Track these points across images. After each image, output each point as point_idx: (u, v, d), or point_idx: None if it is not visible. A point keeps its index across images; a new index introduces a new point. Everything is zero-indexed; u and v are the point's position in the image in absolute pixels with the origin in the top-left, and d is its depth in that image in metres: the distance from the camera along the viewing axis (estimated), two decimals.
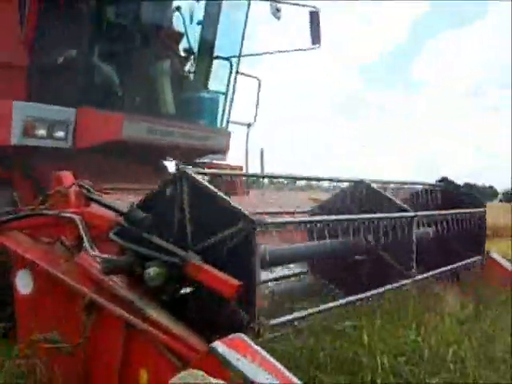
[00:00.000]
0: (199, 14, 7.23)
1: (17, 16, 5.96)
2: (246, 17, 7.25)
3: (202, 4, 7.18)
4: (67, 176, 3.86)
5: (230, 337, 3.13)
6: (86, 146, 5.82)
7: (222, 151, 7.14)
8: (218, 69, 7.41)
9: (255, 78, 7.88)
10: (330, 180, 4.91)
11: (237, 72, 7.32)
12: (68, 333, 3.84)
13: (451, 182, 6.60)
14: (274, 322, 3.42)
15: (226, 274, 3.20)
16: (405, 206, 5.17)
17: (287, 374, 3.11)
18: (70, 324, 3.84)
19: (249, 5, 7.18)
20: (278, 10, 7.31)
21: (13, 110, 5.49)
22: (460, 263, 5.71)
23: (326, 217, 4.56)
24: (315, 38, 7.54)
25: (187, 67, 7.12)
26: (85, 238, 3.52)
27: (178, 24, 7.06)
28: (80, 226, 3.54)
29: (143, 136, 6.12)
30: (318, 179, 4.78)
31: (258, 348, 3.16)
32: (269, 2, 7.28)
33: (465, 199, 6.67)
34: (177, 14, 7.04)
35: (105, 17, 6.02)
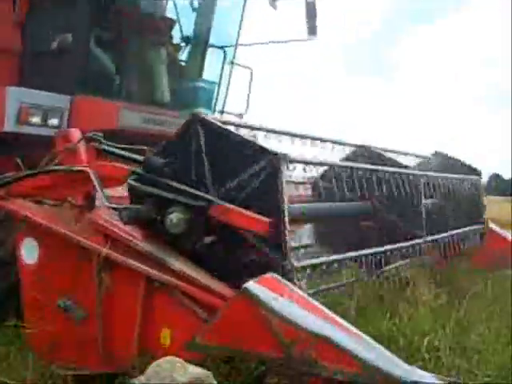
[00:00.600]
0: (195, 1, 6.98)
1: None
2: (244, 4, 7.07)
3: None
4: (74, 132, 3.67)
5: (263, 277, 2.95)
6: None
7: None
8: (214, 58, 7.20)
9: (247, 67, 7.74)
10: (335, 142, 4.76)
11: (232, 62, 7.14)
12: (81, 298, 3.62)
13: (445, 156, 6.53)
14: (303, 263, 3.24)
15: (255, 214, 3.01)
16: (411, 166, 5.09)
17: (327, 311, 2.94)
18: (82, 289, 3.61)
19: None
20: (275, 0, 7.18)
21: (7, 96, 5.26)
22: (461, 230, 5.59)
23: (350, 163, 4.43)
24: (312, 29, 7.41)
25: (182, 56, 6.90)
26: (99, 192, 3.31)
27: (173, 11, 6.83)
28: (94, 180, 3.34)
29: (138, 125, 5.94)
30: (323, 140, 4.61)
31: (295, 287, 2.98)
32: None
33: (459, 170, 6.63)
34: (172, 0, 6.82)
35: (101, 1, 5.80)
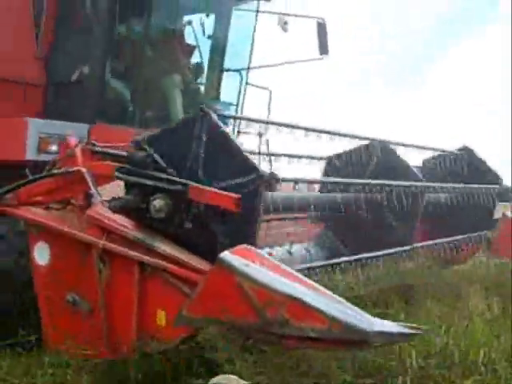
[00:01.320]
0: (210, 28, 7.35)
1: (32, 33, 6.17)
2: (254, 30, 7.43)
3: (212, 18, 7.32)
4: (72, 138, 3.99)
5: (236, 247, 3.14)
6: None
7: None
8: (230, 80, 7.51)
9: (266, 88, 8.01)
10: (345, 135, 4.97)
11: (246, 83, 7.43)
12: (86, 292, 3.88)
13: (473, 153, 6.54)
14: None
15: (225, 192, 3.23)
16: (418, 174, 5.24)
17: (297, 274, 3.09)
18: (86, 283, 3.88)
19: (256, 18, 7.34)
20: (286, 23, 7.49)
21: (28, 127, 5.62)
22: (465, 235, 5.69)
23: (337, 179, 4.66)
24: (323, 48, 7.71)
25: (198, 80, 7.24)
26: (92, 188, 3.60)
27: (189, 37, 7.20)
28: (87, 177, 3.63)
29: None
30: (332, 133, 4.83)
31: (266, 255, 3.15)
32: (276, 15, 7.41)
33: (485, 174, 6.68)
34: (188, 27, 7.18)
35: (116, 33, 6.28)
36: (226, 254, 3.12)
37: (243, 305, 3.06)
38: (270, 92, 8.14)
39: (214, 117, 3.56)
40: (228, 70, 7.65)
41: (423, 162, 6.76)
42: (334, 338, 2.93)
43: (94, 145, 3.93)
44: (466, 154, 6.82)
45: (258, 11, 7.34)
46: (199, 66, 7.36)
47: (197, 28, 7.36)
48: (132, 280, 3.70)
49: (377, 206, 5.23)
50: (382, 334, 2.84)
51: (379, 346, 3.31)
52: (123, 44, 6.42)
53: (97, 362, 3.82)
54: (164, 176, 3.52)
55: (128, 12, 6.27)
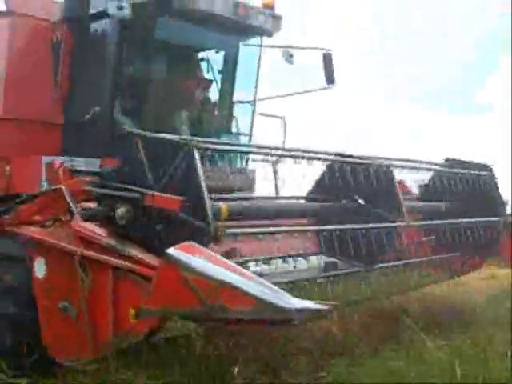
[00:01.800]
0: (219, 63, 7.91)
1: (51, 78, 6.85)
2: (258, 65, 7.92)
3: (221, 54, 7.89)
4: (56, 161, 4.50)
5: (181, 244, 3.51)
6: None
7: (246, 188, 7.45)
8: (241, 111, 8.02)
9: (280, 117, 8.42)
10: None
11: (253, 113, 7.89)
12: (73, 298, 4.33)
13: (457, 161, 6.97)
14: (232, 231, 3.77)
15: (172, 195, 3.63)
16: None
17: (232, 264, 3.43)
18: (74, 289, 4.32)
19: (260, 53, 7.84)
20: (291, 56, 7.92)
21: (42, 164, 6.17)
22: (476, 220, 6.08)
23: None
24: (330, 78, 8.08)
25: (209, 113, 7.69)
26: (70, 203, 4.07)
27: (200, 73, 7.77)
28: (65, 194, 4.11)
29: None
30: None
31: (208, 250, 3.51)
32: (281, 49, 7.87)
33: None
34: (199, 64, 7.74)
35: (123, 75, 6.80)
36: (171, 250, 3.51)
37: (189, 295, 3.44)
38: (284, 120, 8.56)
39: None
40: (240, 102, 8.12)
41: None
42: (263, 318, 3.25)
43: (72, 165, 4.43)
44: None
45: (261, 45, 7.76)
46: (210, 99, 7.83)
47: (207, 64, 7.89)
48: (107, 283, 4.12)
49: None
50: (301, 311, 3.14)
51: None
52: (130, 84, 6.97)
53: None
54: (125, 186, 3.96)
55: (134, 54, 6.85)
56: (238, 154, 7.75)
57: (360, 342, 5.38)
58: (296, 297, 3.33)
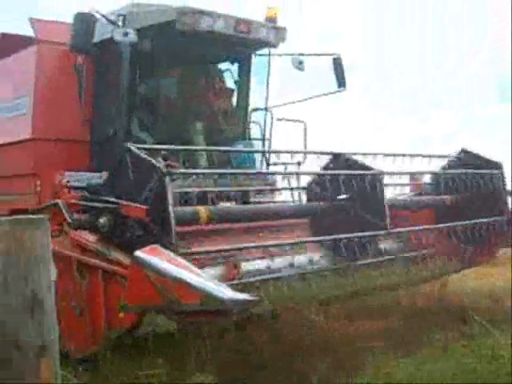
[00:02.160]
0: (235, 74, 8.52)
1: (78, 103, 7.55)
2: (268, 74, 8.46)
3: (234, 66, 8.49)
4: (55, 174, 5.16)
5: (147, 247, 4.08)
6: None
7: (267, 192, 7.87)
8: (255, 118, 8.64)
9: (302, 122, 8.89)
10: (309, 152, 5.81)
11: (265, 119, 8.45)
12: (77, 299, 4.98)
13: (471, 154, 7.42)
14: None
15: (140, 204, 4.21)
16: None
17: (186, 262, 3.96)
18: (77, 291, 4.97)
19: (269, 63, 8.39)
20: (301, 63, 8.37)
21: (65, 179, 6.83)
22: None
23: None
24: (341, 81, 8.50)
25: (223, 121, 8.23)
26: (66, 215, 4.71)
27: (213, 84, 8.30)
28: (62, 207, 4.76)
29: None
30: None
31: (171, 253, 4.06)
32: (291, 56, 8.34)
33: (482, 165, 7.30)
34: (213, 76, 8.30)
35: (138, 94, 7.44)
36: (137, 252, 4.09)
37: (152, 291, 4.01)
38: (305, 124, 9.00)
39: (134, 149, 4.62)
40: (255, 110, 8.63)
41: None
42: (210, 309, 3.78)
43: (68, 181, 5.09)
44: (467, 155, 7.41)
45: (269, 55, 8.26)
46: (224, 109, 8.37)
47: (220, 76, 8.45)
48: (99, 284, 4.75)
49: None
50: (236, 301, 3.65)
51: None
52: (146, 101, 7.61)
53: None
54: (105, 199, 4.57)
55: (146, 74, 7.49)
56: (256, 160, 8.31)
57: (427, 339, 5.61)
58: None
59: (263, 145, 8.64)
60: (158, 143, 7.54)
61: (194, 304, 3.78)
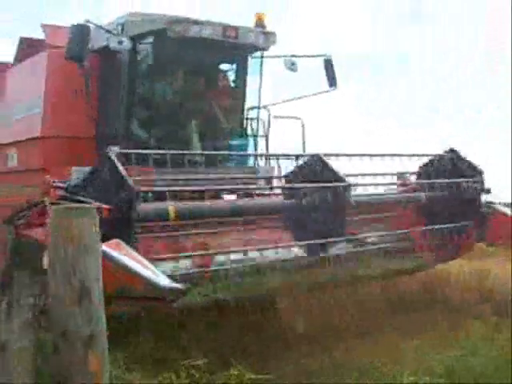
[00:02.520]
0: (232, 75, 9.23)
1: (86, 103, 8.24)
2: (261, 75, 9.07)
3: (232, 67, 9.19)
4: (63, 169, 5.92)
5: (112, 241, 4.77)
6: None
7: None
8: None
9: (299, 118, 9.46)
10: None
11: (257, 119, 9.22)
12: None
13: (458, 154, 7.96)
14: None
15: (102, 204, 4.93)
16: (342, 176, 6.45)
17: (146, 262, 4.63)
18: None
19: (261, 63, 9.00)
20: (293, 64, 8.96)
21: (72, 173, 7.57)
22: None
23: None
24: (331, 81, 9.07)
25: (223, 119, 8.87)
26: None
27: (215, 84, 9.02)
28: (48, 207, 5.49)
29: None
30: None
31: (125, 244, 4.74)
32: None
33: (464, 169, 7.67)
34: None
35: (137, 95, 8.16)
36: (102, 245, 4.78)
37: (112, 278, 4.69)
38: (302, 121, 9.58)
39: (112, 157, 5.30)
40: (251, 109, 9.23)
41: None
42: (154, 295, 4.46)
43: (54, 181, 5.82)
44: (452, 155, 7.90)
45: (262, 57, 8.86)
46: (222, 107, 8.99)
47: (218, 76, 9.08)
48: None
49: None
50: (170, 288, 4.32)
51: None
52: (144, 101, 8.30)
53: None
54: (82, 199, 5.29)
55: (143, 77, 8.18)
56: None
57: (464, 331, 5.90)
58: None
59: (255, 140, 9.22)
60: (156, 140, 8.29)
61: (140, 290, 4.47)
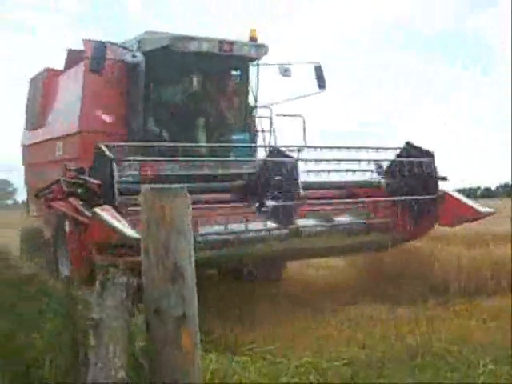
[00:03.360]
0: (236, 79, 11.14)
1: (115, 101, 10.29)
2: (257, 79, 10.98)
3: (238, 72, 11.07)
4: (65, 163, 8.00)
5: (103, 206, 6.72)
6: None
7: None
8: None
9: (300, 116, 11.21)
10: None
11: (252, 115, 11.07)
12: None
13: (414, 147, 9.61)
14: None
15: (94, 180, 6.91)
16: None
17: (122, 219, 6.58)
18: None
19: (257, 69, 10.86)
20: (287, 70, 10.72)
21: None
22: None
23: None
24: (321, 84, 10.83)
25: (229, 117, 10.71)
26: (64, 188, 7.50)
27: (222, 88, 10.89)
28: (62, 183, 7.56)
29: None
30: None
31: (115, 211, 6.68)
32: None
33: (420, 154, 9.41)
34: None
35: (153, 99, 10.20)
36: (95, 209, 6.76)
37: (100, 233, 6.68)
38: (303, 118, 11.26)
39: (103, 148, 7.28)
40: (256, 107, 11.03)
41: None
42: (123, 243, 6.39)
43: (68, 165, 7.88)
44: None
45: (258, 65, 10.67)
46: (227, 107, 10.82)
47: (222, 81, 10.93)
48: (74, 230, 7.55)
49: None
50: (131, 237, 6.21)
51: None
52: (159, 104, 10.24)
53: None
54: (86, 178, 7.31)
55: (157, 84, 10.13)
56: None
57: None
58: None
59: (252, 135, 10.99)
60: (170, 135, 10.19)
61: (115, 239, 6.42)
